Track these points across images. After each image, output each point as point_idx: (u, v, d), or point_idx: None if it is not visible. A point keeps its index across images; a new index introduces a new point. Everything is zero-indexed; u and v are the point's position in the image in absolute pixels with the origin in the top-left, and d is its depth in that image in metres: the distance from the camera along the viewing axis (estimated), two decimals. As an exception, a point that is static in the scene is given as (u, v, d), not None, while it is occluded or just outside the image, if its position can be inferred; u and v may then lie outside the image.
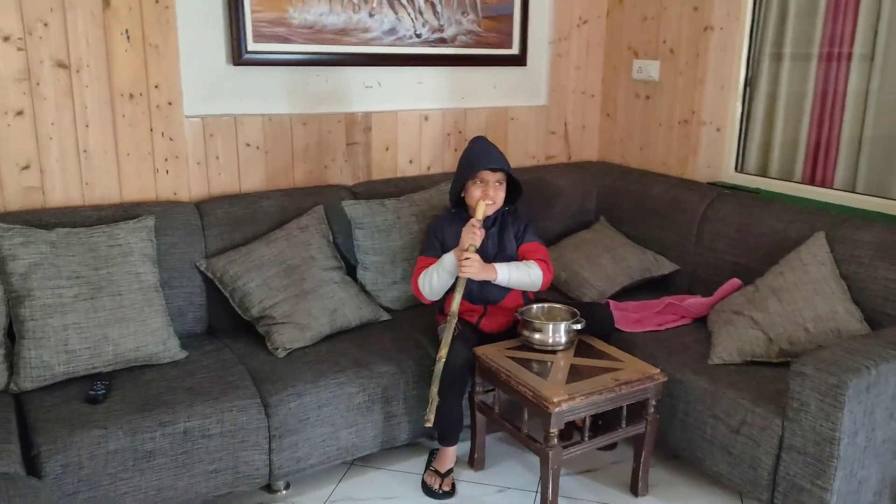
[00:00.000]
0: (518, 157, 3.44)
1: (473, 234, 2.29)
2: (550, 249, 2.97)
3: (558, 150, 3.58)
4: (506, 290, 2.46)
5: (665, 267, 3.02)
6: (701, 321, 2.68)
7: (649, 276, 3.00)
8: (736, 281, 2.68)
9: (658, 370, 2.23)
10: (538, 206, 3.26)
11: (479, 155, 2.39)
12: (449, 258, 2.33)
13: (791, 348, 2.32)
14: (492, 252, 2.45)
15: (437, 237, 2.45)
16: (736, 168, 3.26)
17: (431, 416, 2.18)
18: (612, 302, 2.81)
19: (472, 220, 2.32)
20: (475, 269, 2.27)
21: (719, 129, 3.21)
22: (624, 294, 2.94)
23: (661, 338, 2.56)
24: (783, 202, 2.80)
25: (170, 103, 2.56)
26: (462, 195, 2.44)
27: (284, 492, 2.32)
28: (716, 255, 2.86)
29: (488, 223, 2.45)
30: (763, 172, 3.19)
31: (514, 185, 2.46)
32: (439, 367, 2.20)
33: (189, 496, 2.06)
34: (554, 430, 2.04)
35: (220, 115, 2.67)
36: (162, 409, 2.02)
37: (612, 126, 3.60)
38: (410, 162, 3.14)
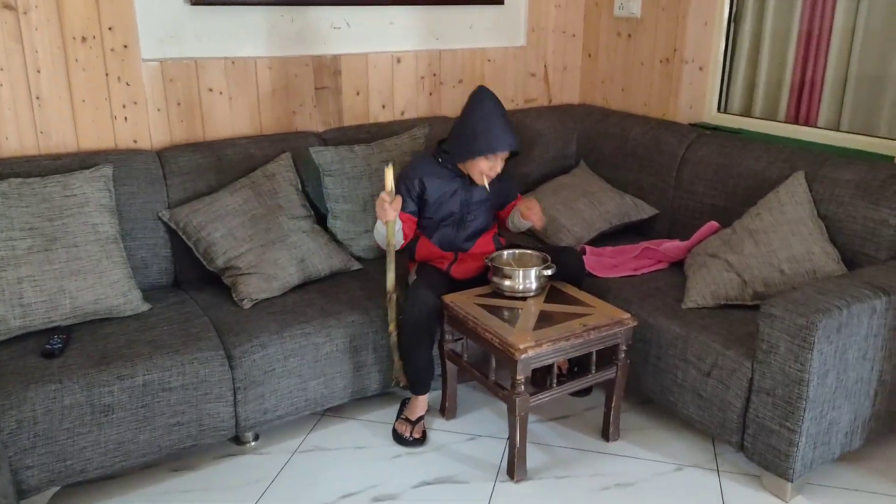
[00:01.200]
0: (495, 100, 3.33)
1: (382, 210, 2.17)
2: (528, 195, 2.92)
3: (538, 93, 3.48)
4: (476, 237, 2.40)
5: (644, 211, 2.96)
6: (678, 265, 2.63)
7: (628, 220, 2.94)
8: (713, 224, 2.62)
9: (628, 315, 2.19)
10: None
11: (494, 132, 2.23)
12: (378, 224, 2.26)
13: (765, 290, 2.28)
14: (477, 198, 2.40)
15: (409, 188, 2.34)
16: (719, 108, 3.16)
17: (402, 380, 2.18)
18: (588, 247, 2.75)
19: (382, 194, 2.17)
20: (392, 214, 2.18)
21: (702, 68, 3.10)
22: (602, 239, 2.89)
23: (636, 282, 2.52)
24: (764, 142, 2.71)
25: (125, 46, 2.45)
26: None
27: (253, 443, 2.31)
28: (695, 198, 2.80)
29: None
30: (746, 112, 3.10)
31: None
32: (393, 339, 2.20)
33: (152, 449, 2.04)
34: (520, 377, 2.01)
35: (179, 58, 2.57)
36: (120, 363, 1.98)
37: (594, 67, 3.49)
38: (383, 107, 3.04)
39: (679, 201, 2.86)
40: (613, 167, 3.12)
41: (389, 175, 2.17)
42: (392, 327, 2.28)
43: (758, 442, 2.05)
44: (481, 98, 2.28)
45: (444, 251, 2.41)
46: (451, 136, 2.35)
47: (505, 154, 2.31)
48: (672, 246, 2.67)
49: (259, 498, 2.06)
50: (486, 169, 2.30)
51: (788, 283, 2.26)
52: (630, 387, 2.36)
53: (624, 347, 2.21)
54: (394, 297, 2.27)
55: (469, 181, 2.36)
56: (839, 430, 2.06)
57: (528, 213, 2.39)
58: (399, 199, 2.20)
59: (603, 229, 2.89)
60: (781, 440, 1.99)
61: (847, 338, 1.94)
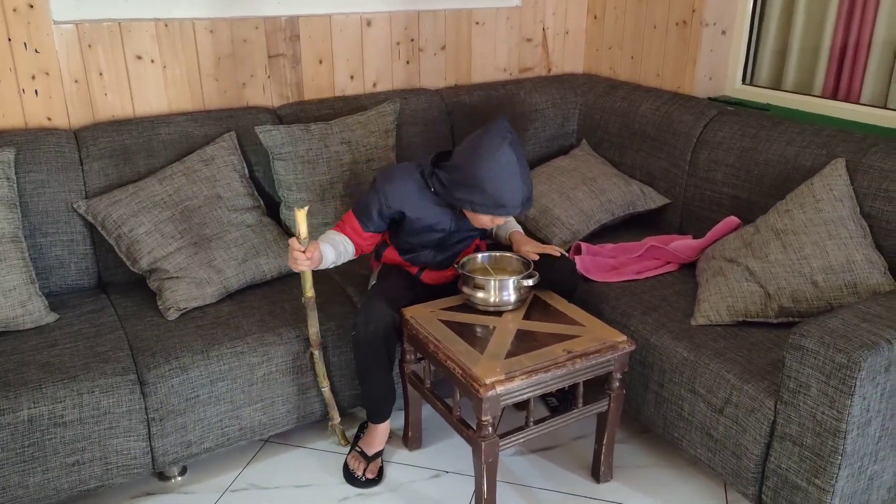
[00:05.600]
0: (486, 70, 2.91)
1: (294, 262, 1.76)
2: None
3: (535, 62, 3.04)
4: (455, 256, 2.01)
5: (652, 200, 2.54)
6: (690, 267, 2.23)
7: (633, 211, 2.53)
8: (733, 219, 2.21)
9: (624, 338, 1.80)
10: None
11: (510, 196, 1.77)
12: (325, 250, 1.83)
13: (794, 306, 1.87)
14: (465, 229, 1.98)
15: (381, 205, 1.87)
16: (743, 80, 2.72)
17: (342, 441, 1.87)
18: (584, 245, 2.35)
19: (291, 241, 1.74)
20: (305, 264, 1.77)
21: (725, 32, 2.65)
22: (602, 234, 2.48)
23: (638, 290, 2.12)
24: (797, 121, 2.28)
25: (31, 6, 2.06)
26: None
27: (179, 478, 1.97)
28: (712, 188, 2.37)
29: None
30: (776, 85, 2.66)
31: None
32: (326, 395, 1.92)
33: (46, 493, 1.70)
34: (486, 419, 1.63)
35: (99, 20, 2.17)
36: (0, 394, 1.64)
37: (600, 31, 3.04)
38: (352, 78, 2.64)
39: (694, 190, 2.44)
40: (619, 148, 2.70)
41: (302, 219, 1.71)
42: (324, 383, 1.94)
43: (780, 498, 1.66)
44: (499, 145, 1.76)
45: (416, 265, 2.03)
46: (454, 171, 1.83)
47: None
48: (683, 245, 2.26)
49: (173, 553, 1.73)
50: (488, 223, 1.88)
51: (823, 299, 1.85)
52: (627, 413, 1.98)
53: (619, 376, 1.82)
54: (316, 353, 1.91)
55: (461, 213, 1.93)
56: (881, 485, 1.66)
57: (528, 253, 1.98)
58: (315, 246, 1.77)
59: (604, 221, 2.49)
60: (809, 499, 1.60)
61: (898, 377, 1.54)
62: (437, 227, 1.93)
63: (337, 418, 2.02)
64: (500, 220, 1.88)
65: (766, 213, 2.08)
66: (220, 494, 1.91)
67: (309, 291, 1.84)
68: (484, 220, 1.86)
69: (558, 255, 1.97)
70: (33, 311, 1.89)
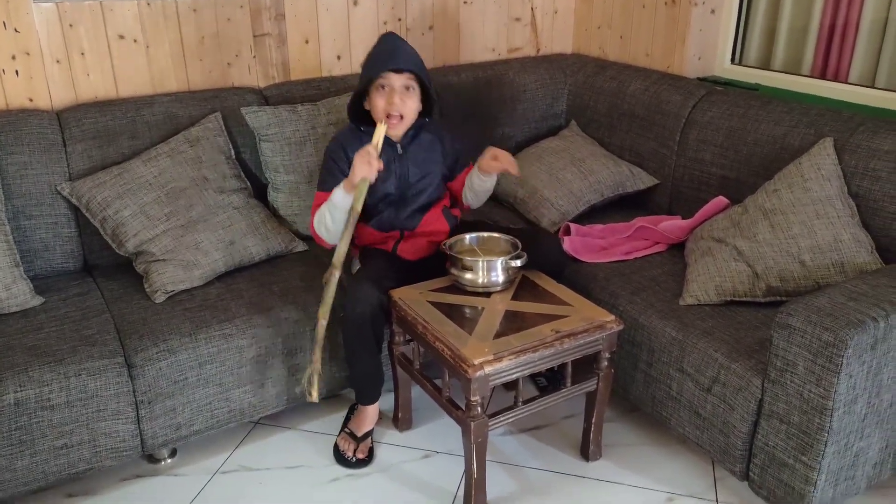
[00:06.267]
0: (474, 50, 2.89)
1: (367, 165, 1.81)
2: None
3: (524, 41, 3.02)
4: (422, 212, 2.01)
5: (642, 181, 2.54)
6: (679, 247, 2.24)
7: (623, 191, 2.53)
8: (722, 199, 2.21)
9: (612, 317, 1.80)
10: (498, 110, 2.75)
11: (382, 53, 1.90)
12: (339, 194, 1.87)
13: (782, 286, 1.88)
14: (414, 178, 1.99)
15: (339, 164, 1.95)
16: (732, 59, 2.71)
17: (314, 392, 1.81)
18: (573, 226, 2.35)
19: (368, 147, 1.84)
20: (368, 169, 1.82)
21: (714, 11, 2.64)
22: (591, 214, 2.48)
23: (627, 270, 2.12)
24: (786, 101, 2.27)
25: (10, -15, 2.02)
26: (366, 108, 1.95)
27: (169, 460, 1.97)
28: (701, 168, 2.37)
29: (404, 141, 1.97)
30: (765, 65, 2.65)
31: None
32: (320, 331, 1.82)
33: (35, 477, 1.69)
34: (475, 399, 1.64)
35: (80, -1, 2.14)
36: (-14, 377, 1.63)
37: (589, 10, 3.01)
38: (339, 58, 2.61)
39: (683, 171, 2.44)
40: (608, 129, 2.69)
41: (381, 132, 1.86)
42: (323, 312, 1.82)
43: (767, 475, 1.68)
44: (382, 35, 2.00)
45: (385, 232, 2.01)
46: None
47: (405, 81, 1.90)
48: (672, 225, 2.27)
49: (163, 535, 1.73)
50: (383, 106, 1.90)
51: (810, 278, 1.86)
52: (616, 392, 1.99)
53: (607, 355, 1.83)
54: (336, 274, 1.84)
55: (401, 147, 1.98)
56: (867, 461, 1.68)
57: (490, 165, 1.98)
58: (381, 163, 1.85)
59: (593, 202, 2.48)
60: (796, 476, 1.62)
61: (883, 355, 1.55)
62: (386, 175, 1.94)
63: (318, 364, 1.84)
64: (400, 105, 1.89)
65: (755, 192, 2.09)
66: (210, 476, 1.91)
67: (360, 201, 1.82)
68: (379, 104, 1.90)
69: (515, 171, 1.99)
70: (18, 294, 1.87)
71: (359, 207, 1.83)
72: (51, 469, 1.71)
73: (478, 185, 2.07)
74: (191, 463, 1.96)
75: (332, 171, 1.95)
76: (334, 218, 1.87)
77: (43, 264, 2.08)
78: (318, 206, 1.94)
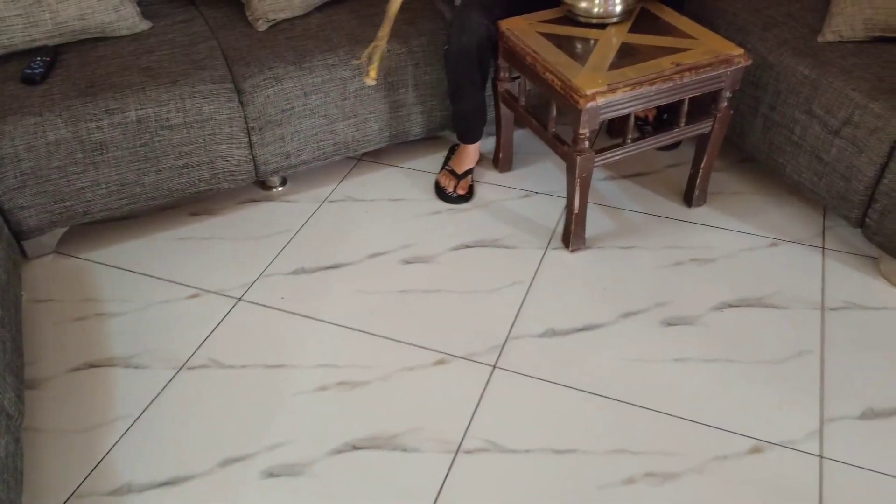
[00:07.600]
0: None
1: None
2: None
3: None
4: None
5: None
6: (822, -17, 1.98)
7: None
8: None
9: (740, 51, 1.65)
10: None
11: None
12: None
13: (943, 21, 1.66)
14: None
15: None
16: None
17: (372, 71, 1.68)
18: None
19: None
20: None
21: None
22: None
23: (760, 4, 1.91)
24: None
25: None
26: None
27: (280, 188, 2.06)
28: None
29: None
30: None
31: None
32: (394, 4, 1.68)
33: (160, 192, 1.82)
34: (584, 132, 1.59)
35: None
36: (108, 94, 1.68)
37: None
38: None
39: None
40: None
41: None
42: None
43: (886, 220, 1.61)
44: None
45: None
46: None
47: None
48: (817, -44, 1.98)
49: (280, 251, 1.86)
50: None
51: (980, 11, 1.62)
52: (729, 141, 1.90)
53: (728, 94, 1.71)
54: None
55: None
56: None
57: None
58: None
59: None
60: (919, 223, 1.54)
61: None
62: None
63: (384, 42, 1.70)
64: None
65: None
66: (319, 203, 2.01)
67: None
68: None
69: None
70: (126, 17, 1.88)
71: None
72: (174, 186, 1.83)
73: None
74: (300, 191, 2.05)
75: None
76: None
77: (145, -8, 2.06)
78: None
